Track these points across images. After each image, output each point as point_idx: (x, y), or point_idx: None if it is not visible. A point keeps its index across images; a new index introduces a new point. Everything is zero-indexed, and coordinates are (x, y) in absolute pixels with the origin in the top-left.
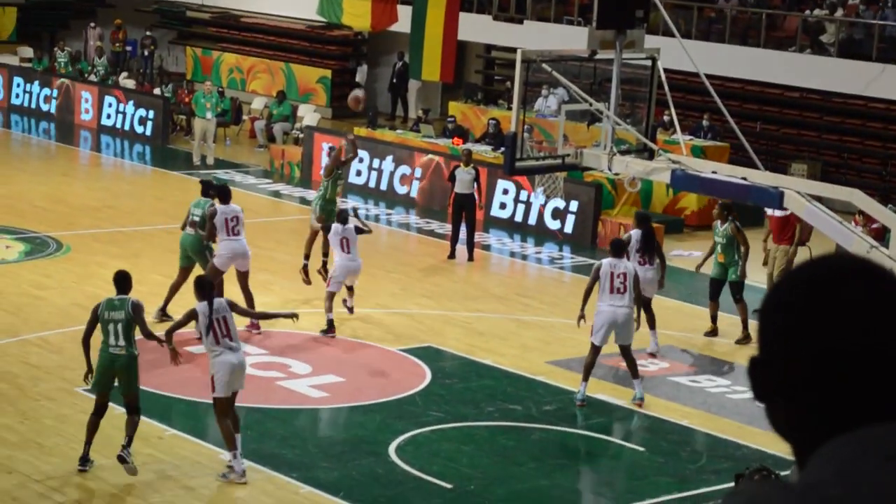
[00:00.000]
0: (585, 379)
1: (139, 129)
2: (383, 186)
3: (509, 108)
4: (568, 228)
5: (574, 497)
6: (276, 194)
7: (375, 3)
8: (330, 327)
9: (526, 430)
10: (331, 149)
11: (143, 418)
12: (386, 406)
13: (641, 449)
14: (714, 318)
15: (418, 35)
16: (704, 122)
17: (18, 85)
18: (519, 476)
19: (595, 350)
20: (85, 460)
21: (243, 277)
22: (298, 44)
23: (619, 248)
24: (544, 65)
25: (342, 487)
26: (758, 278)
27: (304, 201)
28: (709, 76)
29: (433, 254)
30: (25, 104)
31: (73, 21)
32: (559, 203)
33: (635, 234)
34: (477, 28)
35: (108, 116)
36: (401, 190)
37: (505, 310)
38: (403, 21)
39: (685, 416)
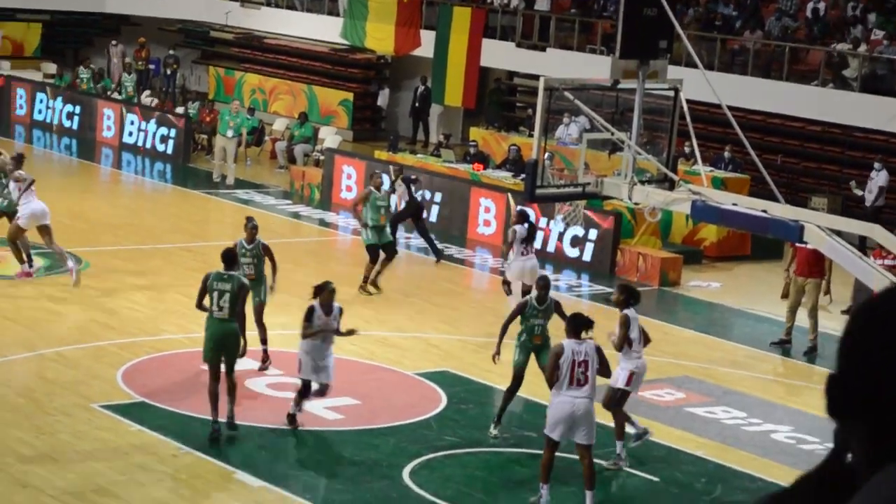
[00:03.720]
0: (545, 481)
1: (160, 148)
2: None
3: (530, 135)
4: (586, 257)
5: None
6: (296, 215)
7: (399, 27)
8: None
9: (540, 457)
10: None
11: (157, 436)
12: (401, 430)
13: (655, 479)
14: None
15: (441, 60)
16: (726, 154)
17: (41, 101)
18: None
19: (552, 446)
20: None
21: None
22: (321, 66)
23: (578, 327)
24: (567, 93)
25: None
26: (774, 310)
27: (323, 223)
28: (731, 108)
29: (451, 278)
30: (48, 120)
31: (96, 38)
32: (578, 231)
33: (520, 229)
34: (500, 54)
35: (130, 134)
36: None
37: None
38: (426, 46)
39: (700, 447)
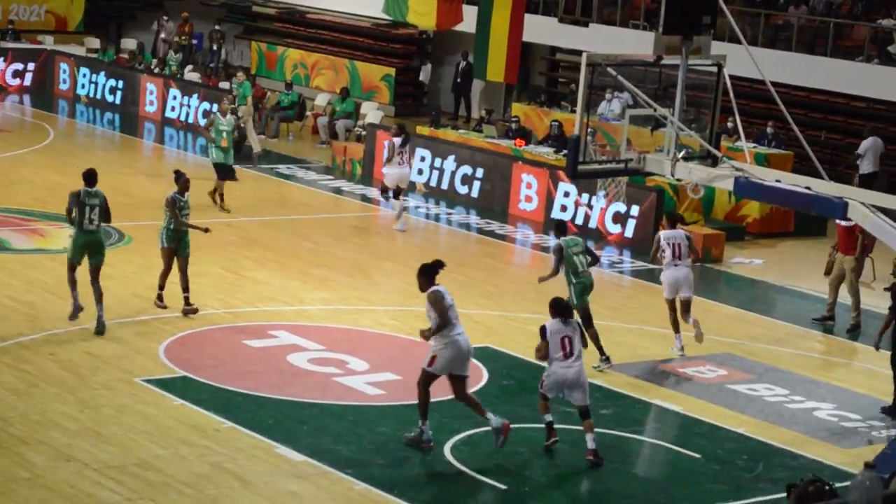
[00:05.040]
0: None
1: (202, 122)
2: (444, 186)
3: (572, 111)
4: (628, 233)
5: (628, 502)
6: (338, 191)
7: (441, 2)
8: None
9: (582, 433)
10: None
11: (199, 410)
12: (442, 405)
13: (697, 456)
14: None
15: (483, 35)
16: (769, 130)
17: (84, 75)
18: (574, 480)
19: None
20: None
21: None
22: (363, 41)
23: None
24: (609, 69)
25: (397, 485)
26: (817, 287)
27: (365, 198)
28: (774, 84)
29: (493, 254)
30: (91, 95)
31: (139, 13)
32: (620, 207)
33: (398, 140)
34: (542, 30)
35: (173, 109)
36: (461, 190)
37: None
38: (468, 21)
39: (742, 424)
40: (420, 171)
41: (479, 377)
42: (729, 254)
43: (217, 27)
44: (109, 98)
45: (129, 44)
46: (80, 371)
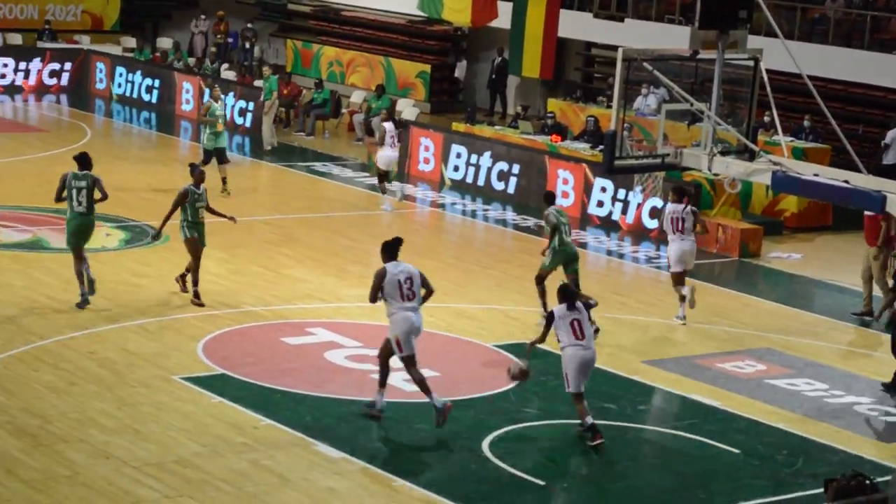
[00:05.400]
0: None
1: (239, 121)
2: (480, 182)
3: (608, 106)
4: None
5: (667, 497)
6: (374, 188)
7: None
8: None
9: (620, 429)
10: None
11: (237, 407)
12: (480, 402)
13: (737, 451)
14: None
15: (519, 31)
16: (806, 124)
17: (121, 74)
18: (612, 475)
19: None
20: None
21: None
22: (398, 38)
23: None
24: (645, 64)
25: (435, 482)
26: (855, 281)
27: (402, 195)
28: (811, 77)
29: (529, 250)
30: (127, 94)
31: (175, 12)
32: (657, 202)
33: (389, 125)
34: (577, 25)
35: None
36: (498, 186)
37: (601, 308)
38: (503, 17)
39: (782, 420)
40: (456, 168)
41: None
42: (767, 248)
43: (249, 25)
44: (146, 97)
45: (164, 43)
46: (119, 369)
